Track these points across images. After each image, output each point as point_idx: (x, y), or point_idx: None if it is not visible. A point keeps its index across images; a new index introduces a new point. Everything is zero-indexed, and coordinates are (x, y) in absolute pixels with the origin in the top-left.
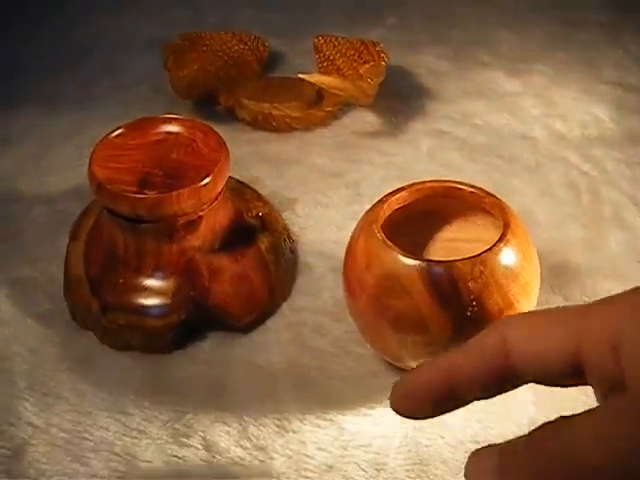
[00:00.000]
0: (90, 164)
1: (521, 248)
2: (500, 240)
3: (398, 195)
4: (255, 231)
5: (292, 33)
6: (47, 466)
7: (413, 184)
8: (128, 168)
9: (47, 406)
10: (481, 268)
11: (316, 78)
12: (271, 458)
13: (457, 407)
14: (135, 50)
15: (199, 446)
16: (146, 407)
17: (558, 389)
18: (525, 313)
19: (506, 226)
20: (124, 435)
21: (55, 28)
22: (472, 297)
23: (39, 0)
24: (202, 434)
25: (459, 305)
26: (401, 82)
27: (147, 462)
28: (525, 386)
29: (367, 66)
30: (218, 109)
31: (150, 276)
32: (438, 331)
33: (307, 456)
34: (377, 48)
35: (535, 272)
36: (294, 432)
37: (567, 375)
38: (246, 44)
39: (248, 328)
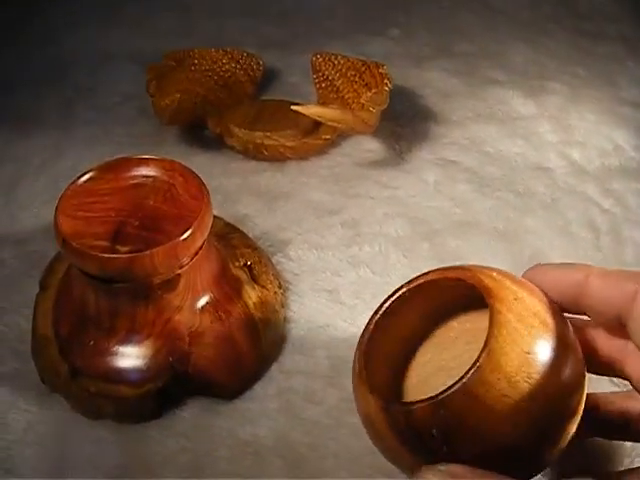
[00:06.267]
0: (56, 214)
1: (512, 363)
2: (472, 366)
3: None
4: (242, 284)
5: (289, 46)
6: None
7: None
8: (100, 217)
9: None
10: (444, 412)
11: (312, 110)
12: None
13: None
14: (120, 66)
15: None
16: None
17: None
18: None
19: (488, 339)
20: None
21: (34, 41)
22: (441, 442)
23: (17, 10)
24: None
25: (427, 451)
26: (405, 103)
27: None
28: None
29: (369, 94)
30: (207, 133)
31: (124, 339)
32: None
33: None
34: (380, 70)
35: (548, 386)
36: None
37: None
38: (238, 62)
39: (233, 395)
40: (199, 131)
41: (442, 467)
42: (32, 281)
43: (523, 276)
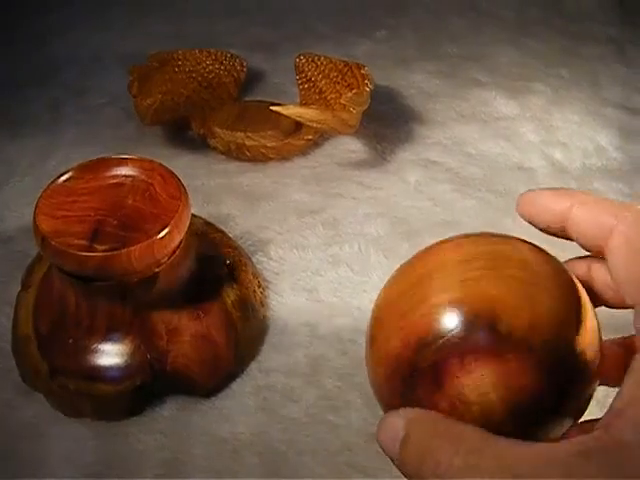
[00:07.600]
0: (35, 213)
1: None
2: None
3: None
4: (221, 283)
5: (276, 47)
6: None
7: None
8: (79, 217)
9: None
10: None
11: (291, 110)
12: None
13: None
14: (107, 67)
15: None
16: None
17: None
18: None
19: None
20: None
21: (22, 42)
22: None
23: (6, 12)
24: None
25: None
26: (389, 104)
27: None
28: None
29: (350, 94)
30: (191, 134)
31: (103, 337)
32: None
33: None
34: (362, 71)
35: None
36: None
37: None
38: (222, 64)
39: (211, 393)
40: (183, 132)
41: (402, 412)
42: (15, 280)
43: (517, 202)
